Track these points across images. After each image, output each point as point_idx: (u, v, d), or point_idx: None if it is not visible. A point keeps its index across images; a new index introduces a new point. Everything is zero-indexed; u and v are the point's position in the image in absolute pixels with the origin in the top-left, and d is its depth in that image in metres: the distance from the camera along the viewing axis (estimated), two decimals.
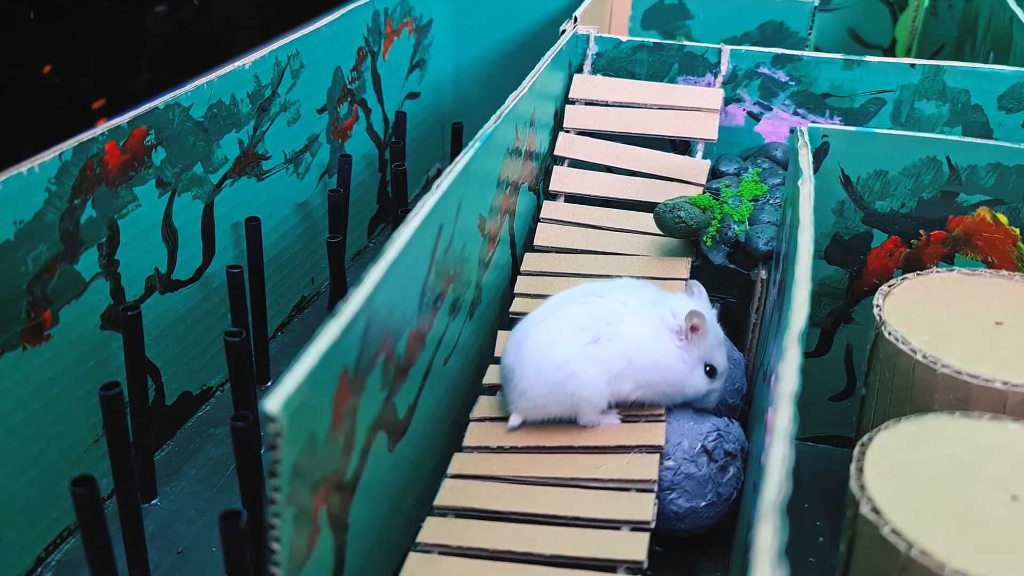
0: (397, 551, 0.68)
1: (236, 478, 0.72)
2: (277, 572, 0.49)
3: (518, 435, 0.73)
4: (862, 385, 0.77)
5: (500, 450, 0.73)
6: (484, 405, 0.78)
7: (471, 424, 0.76)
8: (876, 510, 0.56)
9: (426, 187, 1.39)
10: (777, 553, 0.43)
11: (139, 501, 0.75)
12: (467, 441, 0.74)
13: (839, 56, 1.00)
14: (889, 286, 0.76)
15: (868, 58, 0.99)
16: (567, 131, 1.04)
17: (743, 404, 0.84)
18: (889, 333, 0.70)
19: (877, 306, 0.73)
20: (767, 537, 0.44)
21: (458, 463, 0.72)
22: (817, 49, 1.57)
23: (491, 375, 0.81)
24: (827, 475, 0.87)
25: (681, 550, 0.77)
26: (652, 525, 0.65)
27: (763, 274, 0.86)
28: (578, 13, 1.11)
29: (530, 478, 0.70)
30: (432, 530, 0.66)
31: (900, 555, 0.53)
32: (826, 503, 0.84)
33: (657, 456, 0.71)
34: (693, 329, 0.74)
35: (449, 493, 0.69)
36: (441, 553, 0.64)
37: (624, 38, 1.08)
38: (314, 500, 0.53)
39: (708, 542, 0.78)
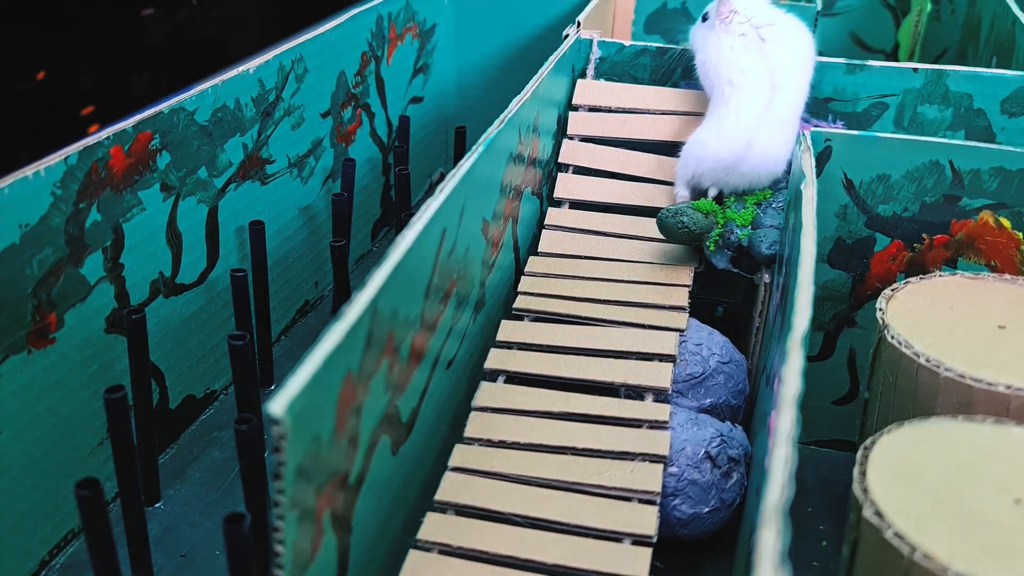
0: (400, 550, 0.68)
1: (240, 481, 0.72)
2: (280, 575, 0.50)
3: (520, 430, 0.74)
4: (865, 389, 0.77)
5: (502, 444, 0.73)
6: (486, 392, 0.78)
7: (472, 413, 0.76)
8: (879, 513, 0.56)
9: (429, 191, 1.39)
10: (780, 556, 0.43)
11: (143, 504, 0.75)
12: (468, 431, 0.74)
13: (842, 60, 1.00)
14: (892, 290, 0.76)
15: (871, 62, 0.99)
16: (571, 138, 1.04)
17: (745, 408, 0.84)
18: (892, 337, 0.70)
19: (880, 310, 0.73)
20: (770, 540, 0.44)
21: (459, 455, 0.72)
22: (820, 53, 1.57)
23: (493, 360, 0.81)
24: (830, 479, 0.87)
25: (684, 555, 0.77)
26: (654, 540, 0.65)
27: (766, 278, 0.86)
28: (581, 18, 1.11)
29: (532, 478, 0.70)
30: (433, 527, 0.66)
31: (903, 558, 0.53)
32: (829, 507, 0.84)
33: (660, 466, 0.71)
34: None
35: (450, 488, 0.69)
36: (441, 552, 0.64)
37: (627, 42, 1.08)
38: (318, 502, 0.53)
39: (711, 547, 0.78)
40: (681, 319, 0.85)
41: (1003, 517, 0.56)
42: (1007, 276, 0.78)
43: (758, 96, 0.92)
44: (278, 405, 0.47)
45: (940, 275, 0.79)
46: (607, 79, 1.09)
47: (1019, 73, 0.96)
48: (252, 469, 0.70)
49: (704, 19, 1.00)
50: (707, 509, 0.73)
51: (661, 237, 0.92)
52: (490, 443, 0.73)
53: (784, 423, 0.51)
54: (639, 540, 0.65)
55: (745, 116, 0.91)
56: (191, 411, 0.93)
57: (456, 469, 0.71)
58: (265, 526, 0.70)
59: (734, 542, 0.77)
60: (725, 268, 0.89)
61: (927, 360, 0.67)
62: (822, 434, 0.92)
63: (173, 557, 0.78)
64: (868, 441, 0.63)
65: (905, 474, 0.59)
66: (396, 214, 1.21)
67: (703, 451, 0.73)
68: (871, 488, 0.58)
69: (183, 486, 0.85)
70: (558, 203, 1.00)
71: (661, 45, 1.08)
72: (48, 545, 0.76)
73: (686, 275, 0.91)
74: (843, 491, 0.67)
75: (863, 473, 0.59)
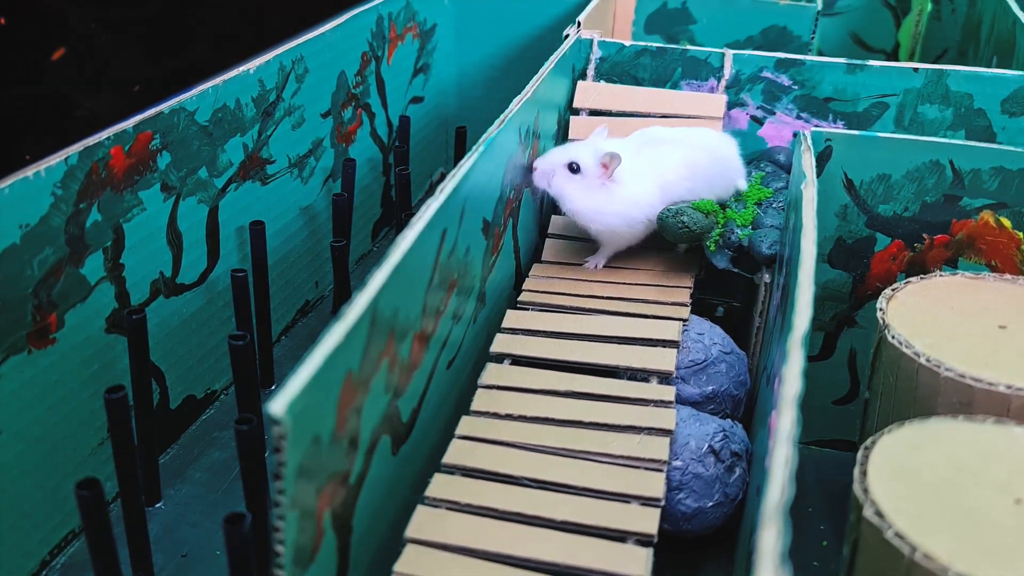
0: (398, 541, 0.68)
1: (240, 481, 0.72)
2: (281, 575, 0.50)
3: (526, 405, 0.74)
4: (865, 389, 0.77)
5: (508, 417, 0.73)
6: (492, 372, 0.78)
7: (479, 390, 0.76)
8: (880, 513, 0.56)
9: (430, 191, 1.39)
10: (780, 556, 0.43)
11: (143, 504, 0.75)
12: (475, 406, 0.74)
13: (842, 60, 1.00)
14: (892, 290, 0.76)
15: (871, 62, 0.99)
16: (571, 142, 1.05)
17: (745, 406, 0.84)
18: (892, 337, 0.70)
19: (880, 310, 0.73)
20: (770, 540, 0.44)
21: (466, 425, 0.72)
22: (820, 53, 1.57)
23: (499, 344, 0.81)
24: (830, 479, 0.87)
25: (685, 554, 0.77)
26: (662, 503, 0.66)
27: (767, 278, 0.86)
28: (581, 18, 1.11)
29: (539, 446, 0.70)
30: (440, 486, 0.67)
31: (904, 558, 0.53)
32: (830, 507, 0.84)
33: (667, 439, 0.71)
34: (604, 167, 0.88)
35: (458, 452, 0.70)
36: (449, 509, 0.65)
37: (627, 43, 1.08)
38: (318, 502, 0.53)
39: (711, 547, 0.78)
40: (684, 311, 0.86)
41: (1004, 517, 0.56)
42: (1007, 276, 0.78)
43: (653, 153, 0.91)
44: (278, 405, 0.47)
45: (940, 275, 0.79)
46: (607, 79, 1.09)
47: (1019, 73, 0.96)
48: (252, 469, 0.70)
49: (574, 169, 0.89)
50: (711, 503, 0.73)
51: (663, 244, 0.93)
52: (496, 416, 0.73)
53: (784, 423, 0.51)
54: (647, 502, 0.66)
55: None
56: (191, 411, 0.93)
57: (463, 437, 0.71)
58: (265, 526, 0.70)
59: (734, 542, 0.77)
60: (725, 268, 0.89)
61: (927, 360, 0.67)
62: (822, 434, 0.92)
63: (173, 557, 0.78)
64: (869, 441, 0.63)
65: (906, 474, 0.59)
66: (396, 214, 1.22)
67: (707, 445, 0.73)
68: (871, 488, 0.58)
69: (183, 486, 0.85)
70: (561, 210, 1.01)
71: (661, 45, 1.08)
72: (48, 545, 0.76)
73: (687, 280, 0.92)
74: (843, 491, 0.67)
75: (863, 473, 0.59)
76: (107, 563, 0.66)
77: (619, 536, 0.63)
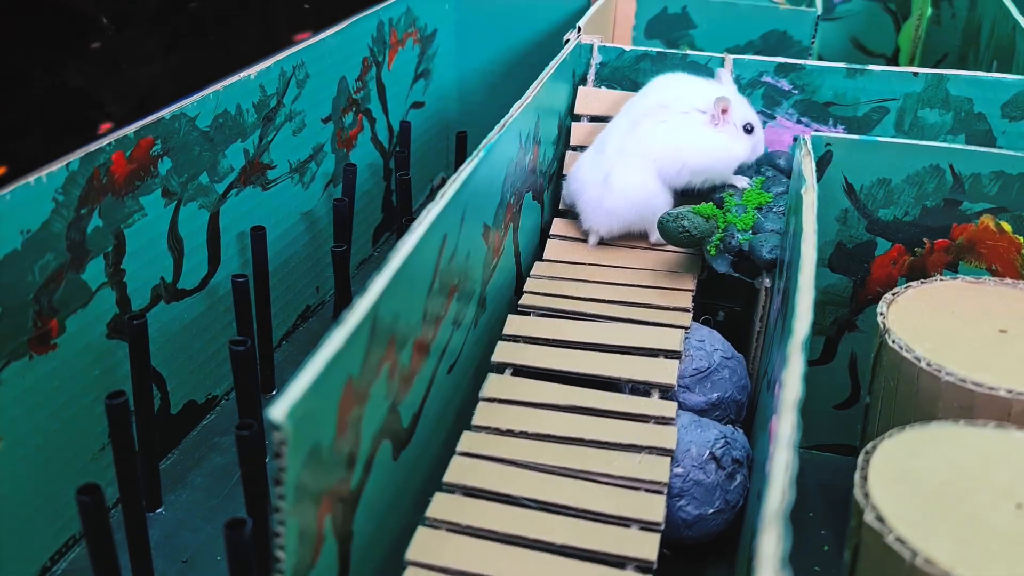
0: (399, 559, 0.68)
1: (241, 487, 0.72)
2: None
3: (527, 420, 0.74)
4: (866, 393, 0.77)
5: (510, 433, 0.73)
6: (494, 384, 0.78)
7: (480, 403, 0.76)
8: (880, 518, 0.56)
9: (430, 196, 1.39)
10: (781, 561, 0.43)
11: (144, 510, 0.75)
12: (476, 420, 0.74)
13: (842, 65, 1.00)
14: (893, 294, 0.76)
15: (871, 67, 0.99)
16: (573, 149, 1.05)
17: (746, 410, 0.84)
18: (893, 341, 0.70)
19: (881, 314, 0.73)
20: (771, 545, 0.44)
21: (467, 441, 0.72)
22: (820, 58, 1.57)
23: (500, 353, 0.81)
24: (831, 483, 0.87)
25: (686, 559, 0.77)
26: (662, 527, 0.66)
27: (767, 282, 0.86)
28: (582, 23, 1.11)
29: (540, 465, 0.70)
30: (441, 506, 0.66)
31: (904, 563, 0.53)
32: (830, 511, 0.84)
33: (668, 459, 0.71)
34: (723, 112, 0.93)
35: (458, 470, 0.69)
36: (449, 530, 0.65)
37: (628, 47, 1.08)
38: (319, 508, 0.53)
39: (712, 552, 0.78)
40: (685, 318, 0.86)
41: (1004, 522, 0.56)
42: (1008, 280, 0.78)
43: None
44: (279, 411, 0.47)
45: (941, 279, 0.79)
46: (608, 84, 1.09)
47: (1019, 77, 0.96)
48: (253, 475, 0.70)
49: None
50: (712, 510, 0.73)
51: (665, 247, 0.93)
52: (498, 431, 0.73)
53: (785, 428, 0.51)
54: (647, 526, 0.65)
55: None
56: (192, 417, 0.93)
57: (464, 454, 0.71)
58: (266, 532, 0.70)
59: (735, 547, 0.77)
60: (726, 272, 0.89)
61: (928, 364, 0.67)
62: (823, 438, 0.92)
63: (174, 563, 0.78)
64: (869, 445, 0.62)
65: (906, 479, 0.59)
66: (397, 219, 1.22)
67: (708, 452, 0.73)
68: (872, 493, 0.58)
69: (184, 492, 0.85)
70: (563, 213, 1.01)
71: (662, 50, 1.08)
72: (49, 551, 0.76)
73: (689, 281, 0.91)
74: (844, 496, 0.67)
75: (864, 478, 0.59)
76: (108, 569, 0.66)
77: (618, 562, 0.63)
